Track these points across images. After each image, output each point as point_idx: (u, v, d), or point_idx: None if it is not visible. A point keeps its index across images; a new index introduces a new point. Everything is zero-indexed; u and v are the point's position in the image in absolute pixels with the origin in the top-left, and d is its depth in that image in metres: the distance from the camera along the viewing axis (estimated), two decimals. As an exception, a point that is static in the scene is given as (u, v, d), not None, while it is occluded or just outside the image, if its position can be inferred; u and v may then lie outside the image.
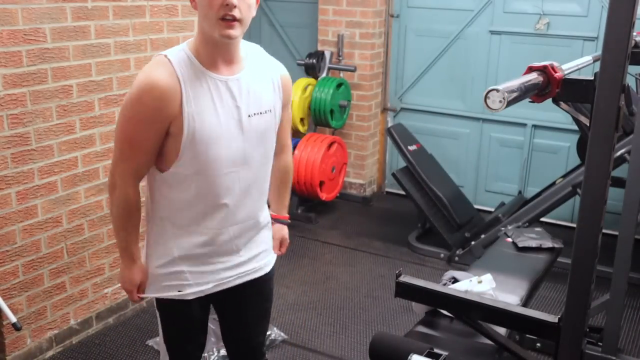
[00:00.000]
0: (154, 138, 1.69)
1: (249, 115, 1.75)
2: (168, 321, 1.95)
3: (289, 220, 2.19)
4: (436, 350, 1.91)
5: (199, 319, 1.94)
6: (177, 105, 1.65)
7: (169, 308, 1.91)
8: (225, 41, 1.67)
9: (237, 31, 1.66)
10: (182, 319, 1.92)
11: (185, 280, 1.83)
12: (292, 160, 2.15)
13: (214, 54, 1.71)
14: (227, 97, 1.71)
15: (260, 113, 1.78)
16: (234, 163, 1.75)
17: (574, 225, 2.07)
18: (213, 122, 1.69)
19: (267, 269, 2.00)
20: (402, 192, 4.55)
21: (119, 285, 1.98)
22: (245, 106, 1.74)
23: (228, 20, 1.63)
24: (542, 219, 4.16)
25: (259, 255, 1.95)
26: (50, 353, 2.99)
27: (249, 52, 1.83)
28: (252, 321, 2.04)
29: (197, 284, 1.84)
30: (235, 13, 1.63)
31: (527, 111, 4.60)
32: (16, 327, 2.62)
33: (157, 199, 1.81)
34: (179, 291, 1.84)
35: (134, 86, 1.68)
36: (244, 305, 1.99)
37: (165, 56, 1.69)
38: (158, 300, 1.91)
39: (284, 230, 2.19)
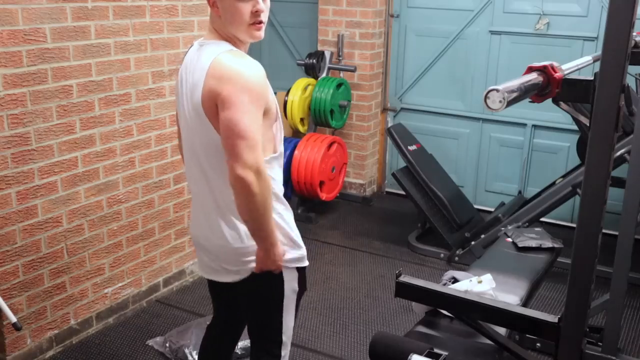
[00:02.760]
0: (274, 110, 1.91)
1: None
2: (302, 288, 2.09)
3: None
4: (436, 350, 1.92)
5: None
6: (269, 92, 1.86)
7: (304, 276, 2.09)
8: (253, 41, 1.90)
9: (263, 32, 1.89)
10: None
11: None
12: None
13: (241, 46, 1.92)
14: None
15: None
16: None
17: (574, 225, 2.07)
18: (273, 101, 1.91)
19: None
20: (402, 192, 4.55)
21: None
22: None
23: (257, 24, 1.84)
24: (542, 219, 4.16)
25: None
26: (50, 353, 2.99)
27: None
28: None
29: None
30: (263, 17, 1.85)
31: (527, 111, 4.60)
32: (16, 327, 2.62)
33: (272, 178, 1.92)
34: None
35: (247, 75, 1.77)
36: None
37: (235, 50, 1.86)
38: (300, 269, 2.06)
39: None
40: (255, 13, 1.81)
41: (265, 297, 2.04)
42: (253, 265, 1.94)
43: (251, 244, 1.92)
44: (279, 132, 1.96)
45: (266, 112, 1.83)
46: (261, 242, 1.88)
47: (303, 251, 2.04)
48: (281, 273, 1.97)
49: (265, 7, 1.85)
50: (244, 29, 1.83)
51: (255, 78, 1.78)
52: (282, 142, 1.99)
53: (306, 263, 2.05)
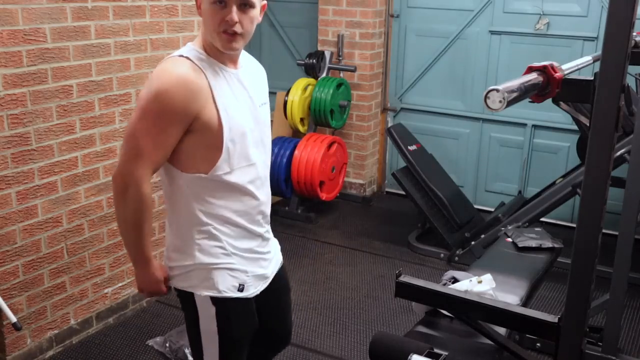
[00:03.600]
0: (177, 134, 1.68)
1: (259, 105, 1.84)
2: (228, 329, 1.86)
3: None
4: (436, 350, 1.92)
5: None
6: (206, 100, 1.67)
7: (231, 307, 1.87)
8: (228, 52, 1.74)
9: (238, 44, 1.70)
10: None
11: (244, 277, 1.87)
12: None
13: (222, 54, 1.75)
14: (241, 89, 1.78)
15: (264, 103, 1.88)
16: (257, 152, 1.82)
17: (574, 225, 2.07)
18: (238, 113, 1.74)
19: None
20: (402, 192, 4.55)
21: (136, 289, 1.94)
22: (256, 96, 1.82)
23: (229, 33, 1.67)
24: (542, 219, 4.16)
25: (272, 239, 2.02)
26: (50, 353, 2.99)
27: (244, 54, 1.91)
28: (286, 308, 2.16)
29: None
30: (237, 29, 1.67)
31: (527, 111, 4.60)
32: (16, 327, 2.62)
33: (198, 198, 1.76)
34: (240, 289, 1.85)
35: (157, 82, 1.65)
36: (279, 294, 2.06)
37: (181, 55, 1.71)
38: (220, 302, 1.82)
39: None
40: (226, 22, 1.65)
41: (186, 318, 1.92)
42: (173, 281, 1.87)
43: (174, 257, 1.84)
44: (235, 159, 1.74)
45: (198, 131, 1.68)
46: (130, 258, 1.86)
47: (228, 282, 1.80)
48: (193, 299, 1.81)
49: (246, 18, 1.67)
50: (215, 36, 1.68)
51: (164, 91, 1.62)
52: (246, 170, 1.78)
53: (230, 295, 1.80)
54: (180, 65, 1.67)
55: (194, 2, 1.76)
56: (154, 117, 1.64)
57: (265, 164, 1.88)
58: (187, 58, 1.69)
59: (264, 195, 1.88)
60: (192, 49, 1.74)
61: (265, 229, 1.93)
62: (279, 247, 2.06)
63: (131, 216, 1.72)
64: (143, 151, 1.66)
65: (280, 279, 2.03)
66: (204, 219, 1.76)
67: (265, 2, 1.77)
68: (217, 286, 1.79)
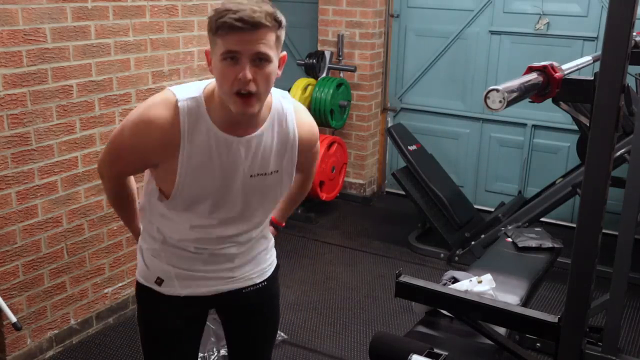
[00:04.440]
0: (138, 164, 1.67)
1: (252, 176, 1.64)
2: (146, 320, 1.87)
3: (283, 226, 2.08)
4: (436, 350, 1.92)
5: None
6: (170, 155, 1.56)
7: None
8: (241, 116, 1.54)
9: (254, 107, 1.50)
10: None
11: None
12: (309, 184, 2.04)
13: (230, 116, 1.54)
14: (231, 157, 1.59)
15: (265, 174, 1.66)
16: (227, 219, 1.67)
17: (574, 225, 2.07)
18: (207, 181, 1.60)
19: (264, 277, 1.87)
20: (402, 192, 4.54)
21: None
22: (250, 167, 1.62)
23: (244, 95, 1.47)
24: (542, 219, 4.16)
25: (251, 263, 1.84)
26: (50, 353, 2.99)
27: (275, 112, 1.65)
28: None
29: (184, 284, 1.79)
30: (251, 88, 1.46)
31: (527, 111, 4.60)
32: (16, 327, 2.62)
33: (153, 208, 1.73)
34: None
35: (136, 112, 1.59)
36: (252, 322, 1.92)
37: (176, 99, 1.55)
38: (141, 290, 1.85)
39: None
40: (239, 81, 1.44)
41: None
42: None
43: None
44: (188, 213, 1.65)
45: (156, 167, 1.62)
46: None
47: (145, 274, 1.80)
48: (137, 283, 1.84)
49: (262, 75, 1.46)
50: (228, 97, 1.48)
51: (135, 119, 1.58)
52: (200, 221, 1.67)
53: (148, 285, 1.79)
54: (161, 109, 1.54)
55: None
56: (123, 140, 1.62)
57: (246, 225, 1.73)
58: (177, 106, 1.54)
59: (234, 230, 1.72)
60: (195, 96, 1.57)
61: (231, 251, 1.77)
62: (266, 271, 1.88)
63: (110, 201, 1.88)
64: (110, 157, 1.70)
65: (259, 306, 1.88)
66: (154, 219, 1.74)
67: (285, 53, 1.57)
68: (141, 272, 1.82)
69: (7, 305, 2.64)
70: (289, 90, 4.78)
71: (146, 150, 1.58)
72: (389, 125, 5.02)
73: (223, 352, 2.92)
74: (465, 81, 4.89)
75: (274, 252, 1.94)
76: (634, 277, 3.44)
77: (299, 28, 5.45)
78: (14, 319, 2.59)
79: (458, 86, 4.94)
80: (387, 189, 5.45)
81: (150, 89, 3.23)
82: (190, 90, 1.58)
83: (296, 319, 3.41)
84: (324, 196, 4.70)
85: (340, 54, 5.00)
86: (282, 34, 1.53)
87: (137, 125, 1.57)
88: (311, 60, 4.87)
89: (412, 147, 4.42)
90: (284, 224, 2.07)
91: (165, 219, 1.70)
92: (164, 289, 1.76)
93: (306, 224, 4.67)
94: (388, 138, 4.98)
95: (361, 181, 5.25)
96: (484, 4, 4.69)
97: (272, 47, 1.48)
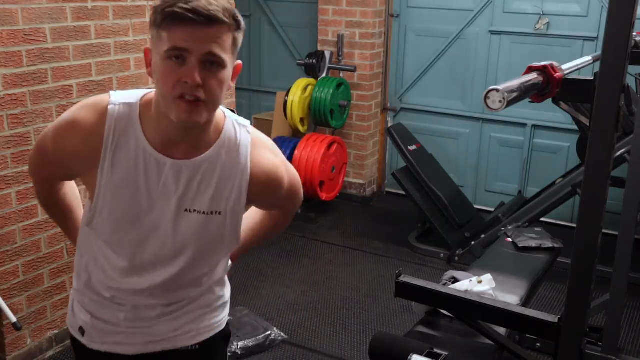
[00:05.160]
0: (60, 170, 1.45)
1: (187, 210, 1.36)
2: None
3: (233, 262, 1.63)
4: (436, 350, 1.92)
5: None
6: (91, 166, 1.33)
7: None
8: (183, 125, 1.27)
9: (201, 116, 1.24)
10: None
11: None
12: (286, 222, 1.74)
13: (168, 131, 1.30)
14: (164, 181, 1.33)
15: (203, 213, 1.36)
16: (157, 262, 1.39)
17: (574, 225, 2.07)
18: (131, 205, 1.34)
19: (199, 339, 1.53)
20: (402, 192, 4.54)
21: None
22: (186, 198, 1.35)
23: (189, 100, 1.22)
24: (542, 219, 4.16)
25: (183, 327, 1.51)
26: (50, 353, 2.99)
27: (225, 138, 1.36)
28: None
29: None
30: (199, 94, 1.21)
31: (527, 111, 4.60)
32: (16, 327, 2.62)
33: (83, 235, 1.50)
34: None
35: (66, 112, 1.38)
36: None
37: (107, 102, 1.33)
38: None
39: None
40: (184, 84, 1.20)
41: None
42: None
43: None
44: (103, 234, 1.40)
45: (82, 179, 1.41)
46: None
47: (71, 320, 1.55)
48: None
49: (213, 80, 1.22)
50: (169, 103, 1.23)
51: (55, 131, 1.36)
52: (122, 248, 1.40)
53: (73, 334, 1.54)
54: (88, 111, 1.33)
55: (144, 54, 1.35)
56: (44, 143, 1.41)
57: (169, 277, 1.42)
58: (107, 111, 1.32)
59: (165, 278, 1.42)
60: (132, 102, 1.34)
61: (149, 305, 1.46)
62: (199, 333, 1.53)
63: (40, 205, 1.71)
64: (37, 162, 1.50)
65: None
66: (84, 250, 1.48)
67: (240, 62, 1.32)
68: (68, 318, 1.56)
69: (7, 305, 2.64)
70: (288, 91, 4.80)
71: (65, 157, 1.36)
72: (389, 125, 5.02)
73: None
74: (465, 81, 4.89)
75: (223, 314, 1.58)
76: (634, 277, 3.44)
77: (299, 28, 5.45)
78: (14, 319, 2.59)
79: (458, 86, 4.94)
80: (387, 189, 5.45)
81: (151, 88, 3.23)
82: (128, 95, 1.35)
83: (296, 319, 3.41)
84: (324, 196, 4.70)
85: (340, 54, 5.00)
86: (240, 37, 1.27)
87: (61, 127, 1.35)
88: (311, 60, 4.87)
89: (412, 147, 4.42)
90: (235, 260, 1.64)
91: (91, 252, 1.45)
92: (86, 341, 1.50)
93: (306, 224, 4.67)
94: (388, 138, 4.98)
95: (361, 181, 5.25)
96: (484, 4, 4.69)
97: (228, 50, 1.23)
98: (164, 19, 1.20)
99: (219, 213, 1.38)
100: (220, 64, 1.23)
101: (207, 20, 1.19)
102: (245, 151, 1.38)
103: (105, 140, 1.31)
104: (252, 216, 1.64)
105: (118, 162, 1.32)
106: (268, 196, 1.48)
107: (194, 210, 1.36)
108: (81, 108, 1.34)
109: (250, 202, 1.44)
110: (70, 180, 1.55)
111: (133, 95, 1.35)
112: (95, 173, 1.33)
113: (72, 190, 1.59)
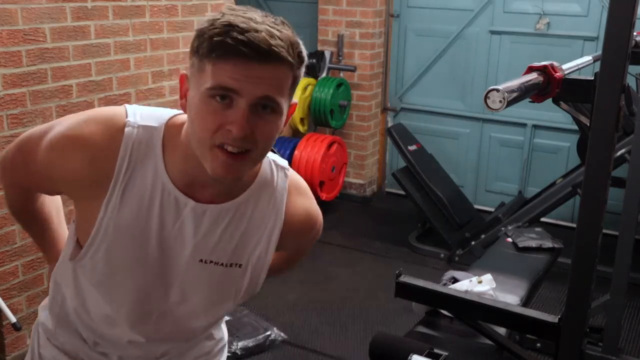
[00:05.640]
0: (45, 185, 1.22)
1: (203, 260, 1.16)
2: None
3: None
4: (436, 350, 1.92)
5: None
6: (93, 195, 1.10)
7: None
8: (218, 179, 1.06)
9: (242, 172, 1.06)
10: None
11: None
12: (295, 263, 1.50)
13: (195, 171, 1.07)
14: (180, 225, 1.12)
15: (223, 265, 1.18)
16: (157, 308, 1.21)
17: (574, 225, 2.07)
18: (136, 250, 1.13)
19: None
20: (402, 192, 4.54)
21: None
22: (204, 247, 1.15)
23: (231, 152, 0.99)
24: (542, 219, 4.16)
25: None
26: (50, 353, 2.99)
27: (261, 182, 1.18)
28: None
29: None
30: (246, 145, 1.00)
31: (527, 111, 4.60)
32: (16, 327, 2.62)
33: (64, 261, 1.25)
34: None
35: (69, 121, 1.12)
36: None
37: (124, 122, 1.09)
38: None
39: None
40: (228, 133, 0.97)
41: None
42: None
43: None
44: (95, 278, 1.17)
45: (74, 199, 1.18)
46: None
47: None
48: None
49: (264, 127, 1.00)
50: (207, 153, 1.00)
51: (52, 145, 1.10)
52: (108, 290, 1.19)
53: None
54: (99, 127, 1.08)
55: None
56: (34, 147, 1.14)
57: (165, 331, 1.25)
58: (123, 132, 1.08)
59: (155, 333, 1.24)
60: (157, 124, 1.10)
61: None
62: None
63: (9, 210, 1.39)
64: (16, 164, 1.24)
65: None
66: (63, 278, 1.25)
67: (295, 101, 1.11)
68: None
69: (7, 305, 2.63)
70: (289, 90, 4.79)
71: (59, 177, 1.12)
72: (389, 125, 5.02)
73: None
74: (465, 81, 4.89)
75: (224, 357, 1.44)
76: (634, 277, 3.44)
77: (299, 28, 5.40)
78: (13, 319, 2.59)
79: (458, 86, 4.94)
80: (387, 189, 5.45)
81: (150, 88, 3.23)
82: (150, 115, 1.12)
83: (296, 319, 3.41)
84: (324, 196, 4.70)
85: (340, 54, 5.00)
86: (301, 75, 1.06)
87: (61, 139, 1.09)
88: (311, 60, 4.87)
89: (412, 147, 4.42)
90: None
91: (73, 287, 1.22)
92: None
93: (306, 224, 4.66)
94: (388, 138, 4.98)
95: (361, 181, 5.25)
96: (484, 4, 4.69)
97: (286, 92, 1.01)
98: (212, 49, 0.95)
99: (239, 266, 1.19)
100: (275, 109, 1.00)
101: (266, 57, 0.95)
102: (281, 198, 1.19)
103: (118, 168, 1.07)
104: None
105: (129, 197, 1.09)
106: (295, 244, 1.31)
107: (211, 262, 1.16)
108: (90, 121, 1.09)
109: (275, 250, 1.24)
110: (56, 195, 1.31)
111: (156, 117, 1.11)
112: (97, 205, 1.09)
113: (53, 200, 1.35)
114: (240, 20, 0.95)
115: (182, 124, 1.09)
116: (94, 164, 1.08)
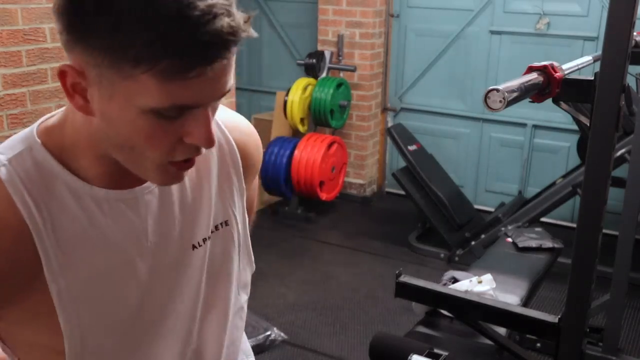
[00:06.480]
0: None
1: (195, 246, 0.94)
2: None
3: None
4: (436, 350, 1.92)
5: None
6: (23, 282, 0.81)
7: None
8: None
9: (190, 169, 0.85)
10: None
11: None
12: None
13: (116, 169, 0.83)
14: (141, 222, 0.88)
15: (212, 232, 0.96)
16: (153, 327, 0.93)
17: (574, 225, 2.07)
18: (116, 289, 0.87)
19: None
20: (402, 192, 4.54)
21: None
22: (186, 231, 0.92)
23: (186, 162, 0.81)
24: (542, 219, 4.16)
25: None
26: (50, 353, 2.99)
27: None
28: None
29: None
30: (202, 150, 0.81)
31: (527, 111, 4.60)
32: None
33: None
34: None
35: None
36: None
37: (4, 194, 0.79)
38: None
39: None
40: (192, 148, 0.78)
41: None
42: None
43: None
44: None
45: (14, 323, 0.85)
46: None
47: None
48: None
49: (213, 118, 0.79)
50: (150, 166, 0.79)
51: None
52: None
53: None
54: None
55: (59, 76, 0.76)
56: None
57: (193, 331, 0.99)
58: (3, 185, 0.79)
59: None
60: (25, 148, 0.83)
61: None
62: None
63: None
64: None
65: None
66: None
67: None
68: None
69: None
70: (288, 91, 4.80)
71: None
72: (389, 125, 5.02)
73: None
74: (465, 81, 4.89)
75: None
76: (634, 277, 3.44)
77: (299, 28, 5.45)
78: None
79: (458, 86, 4.94)
80: (387, 189, 5.45)
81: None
82: (8, 144, 0.84)
83: (296, 319, 3.41)
84: (323, 196, 4.70)
85: (340, 54, 5.00)
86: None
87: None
88: (311, 60, 4.87)
89: (412, 147, 4.42)
90: None
91: None
92: None
93: (306, 223, 4.67)
94: (388, 138, 4.98)
95: (361, 181, 5.25)
96: (484, 4, 4.69)
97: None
98: (162, 65, 0.68)
99: (226, 223, 0.98)
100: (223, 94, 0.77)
101: (226, 51, 0.71)
102: (216, 124, 0.94)
103: (30, 222, 0.79)
104: None
105: (67, 238, 0.82)
106: (253, 178, 1.07)
107: (202, 241, 0.95)
108: None
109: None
110: None
111: (19, 139, 0.84)
112: (37, 289, 0.81)
113: None
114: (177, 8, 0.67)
115: (59, 125, 0.85)
116: (5, 241, 0.78)
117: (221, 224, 0.97)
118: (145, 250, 0.88)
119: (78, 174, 0.83)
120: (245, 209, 1.03)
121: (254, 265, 1.10)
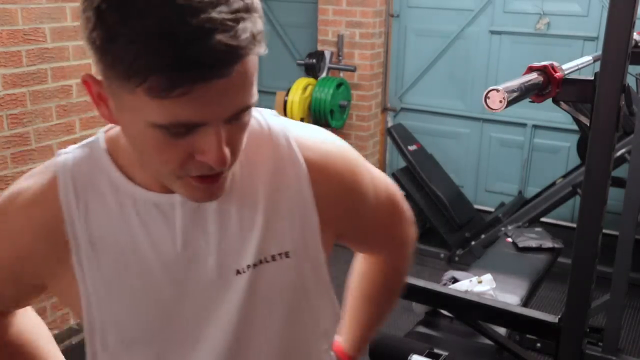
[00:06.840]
0: (9, 288, 0.93)
1: (240, 271, 0.85)
2: None
3: None
4: (436, 350, 1.92)
5: None
6: (54, 265, 0.85)
7: None
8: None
9: (223, 188, 0.79)
10: None
11: None
12: (403, 268, 1.22)
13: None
14: (183, 233, 0.84)
15: (265, 261, 0.86)
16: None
17: (574, 225, 2.07)
18: (143, 296, 0.84)
19: None
20: (402, 192, 4.54)
21: None
22: (227, 253, 0.84)
23: (209, 178, 0.75)
24: (542, 219, 4.16)
25: None
26: (50, 353, 2.99)
27: (251, 130, 0.85)
28: None
29: None
30: (224, 167, 0.74)
31: (527, 111, 4.59)
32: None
33: None
34: None
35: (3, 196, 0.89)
36: None
37: (54, 174, 0.84)
38: None
39: None
40: (202, 165, 0.73)
41: None
42: None
43: None
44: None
45: (37, 292, 0.94)
46: None
47: None
48: None
49: (237, 132, 0.76)
50: (169, 179, 0.76)
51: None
52: None
53: None
54: (34, 178, 0.87)
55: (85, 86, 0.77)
56: None
57: None
58: (58, 157, 0.86)
59: None
60: (93, 139, 0.87)
61: None
62: None
63: None
64: None
65: None
66: None
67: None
68: None
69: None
70: (288, 91, 4.80)
71: (10, 261, 0.86)
72: (389, 125, 5.02)
73: None
74: (465, 81, 4.89)
75: None
76: (634, 277, 3.44)
77: (299, 28, 5.45)
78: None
79: (458, 86, 4.94)
80: (387, 189, 5.44)
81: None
82: (84, 142, 0.88)
83: (296, 319, 3.40)
84: (324, 196, 4.70)
85: (340, 54, 4.99)
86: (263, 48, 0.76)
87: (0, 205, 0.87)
88: (311, 60, 4.87)
89: (412, 147, 4.42)
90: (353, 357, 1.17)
91: None
92: None
93: (306, 224, 4.66)
94: (388, 138, 4.98)
95: (361, 181, 5.24)
96: (484, 4, 4.69)
97: (256, 75, 0.78)
98: (141, 74, 0.65)
99: (287, 255, 0.88)
100: (249, 111, 0.78)
101: (231, 65, 0.68)
102: (284, 139, 0.88)
103: (66, 207, 0.82)
104: (353, 283, 1.19)
105: (98, 233, 0.83)
106: (348, 210, 0.98)
107: (247, 267, 0.85)
108: (25, 178, 0.89)
109: (327, 231, 0.95)
110: (24, 306, 1.01)
111: (91, 140, 0.88)
112: (68, 273, 0.83)
113: (35, 327, 1.05)
114: (175, 18, 0.63)
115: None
116: (38, 220, 0.83)
117: (280, 254, 0.86)
118: (170, 261, 0.83)
119: (126, 172, 0.83)
120: (327, 243, 0.95)
121: (338, 312, 0.98)
